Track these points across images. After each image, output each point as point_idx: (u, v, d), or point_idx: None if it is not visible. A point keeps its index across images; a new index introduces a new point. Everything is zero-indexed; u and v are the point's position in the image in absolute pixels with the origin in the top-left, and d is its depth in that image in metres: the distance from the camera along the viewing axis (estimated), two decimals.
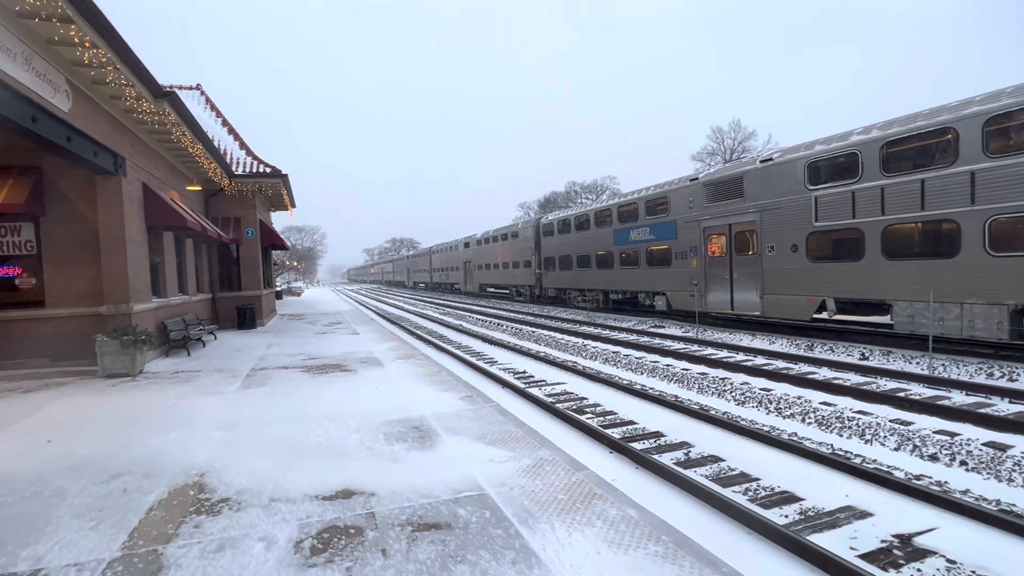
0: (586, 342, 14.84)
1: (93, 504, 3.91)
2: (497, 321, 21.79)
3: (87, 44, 7.16)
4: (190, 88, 19.25)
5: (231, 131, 18.42)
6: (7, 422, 6.18)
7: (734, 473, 5.34)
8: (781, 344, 13.06)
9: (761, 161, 14.66)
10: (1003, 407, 7.27)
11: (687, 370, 10.49)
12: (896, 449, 5.97)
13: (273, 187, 17.72)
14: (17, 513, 3.78)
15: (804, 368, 10.27)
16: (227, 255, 17.66)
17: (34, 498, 4.03)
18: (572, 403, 8.22)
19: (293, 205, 22.91)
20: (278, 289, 37.92)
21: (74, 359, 9.33)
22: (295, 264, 76.18)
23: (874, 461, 5.55)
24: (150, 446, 5.20)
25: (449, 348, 14.44)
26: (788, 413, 7.41)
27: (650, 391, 8.70)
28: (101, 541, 3.36)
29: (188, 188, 14.86)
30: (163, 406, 6.88)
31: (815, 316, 13.50)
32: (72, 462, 4.79)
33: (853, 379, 9.16)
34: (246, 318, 16.76)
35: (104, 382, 8.47)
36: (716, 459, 5.72)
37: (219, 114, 18.95)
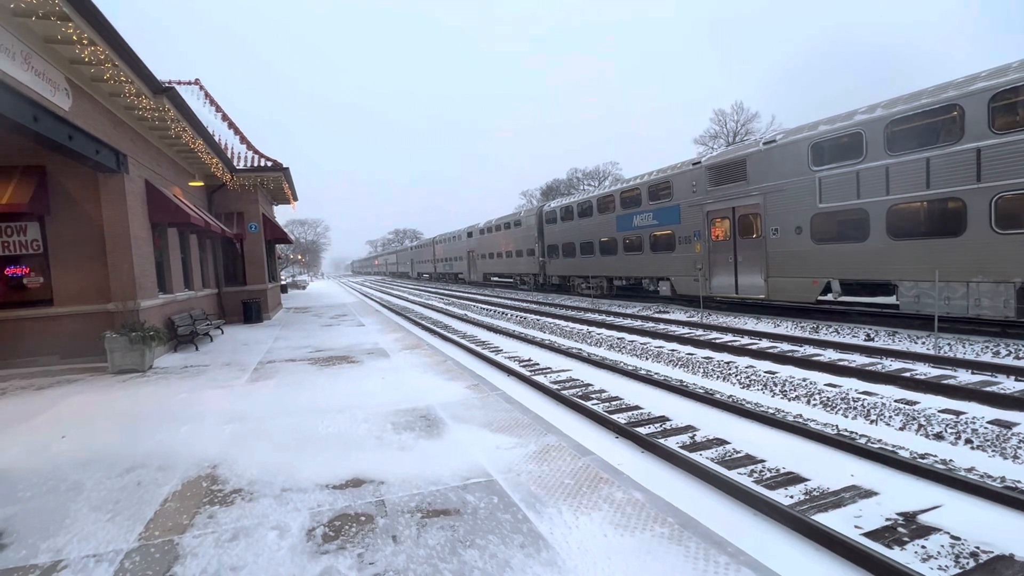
0: (591, 329, 14.87)
1: (109, 497, 3.99)
2: (501, 310, 21.83)
3: (85, 41, 7.14)
4: (189, 83, 19.17)
5: (231, 125, 18.38)
6: (22, 419, 6.28)
7: (739, 455, 5.38)
8: (786, 327, 13.04)
9: (764, 143, 14.54)
10: (1009, 385, 7.26)
11: (692, 355, 10.51)
12: (901, 429, 5.99)
13: (275, 180, 17.72)
14: (36, 507, 3.87)
15: (809, 350, 10.27)
16: (231, 250, 17.72)
17: (51, 492, 4.12)
18: (578, 389, 8.27)
19: (295, 198, 22.91)
20: (283, 283, 38.09)
21: (84, 356, 9.44)
22: (299, 257, 76.36)
23: (879, 441, 5.57)
24: (162, 440, 5.28)
25: (454, 338, 14.51)
26: (793, 395, 7.43)
27: (655, 376, 8.73)
28: (118, 532, 3.44)
29: (191, 184, 14.89)
30: (173, 400, 6.97)
31: (820, 298, 13.46)
32: (87, 457, 4.88)
33: (858, 360, 9.16)
34: (252, 312, 16.87)
35: (114, 378, 8.57)
36: (721, 442, 5.76)
37: (219, 109, 18.89)
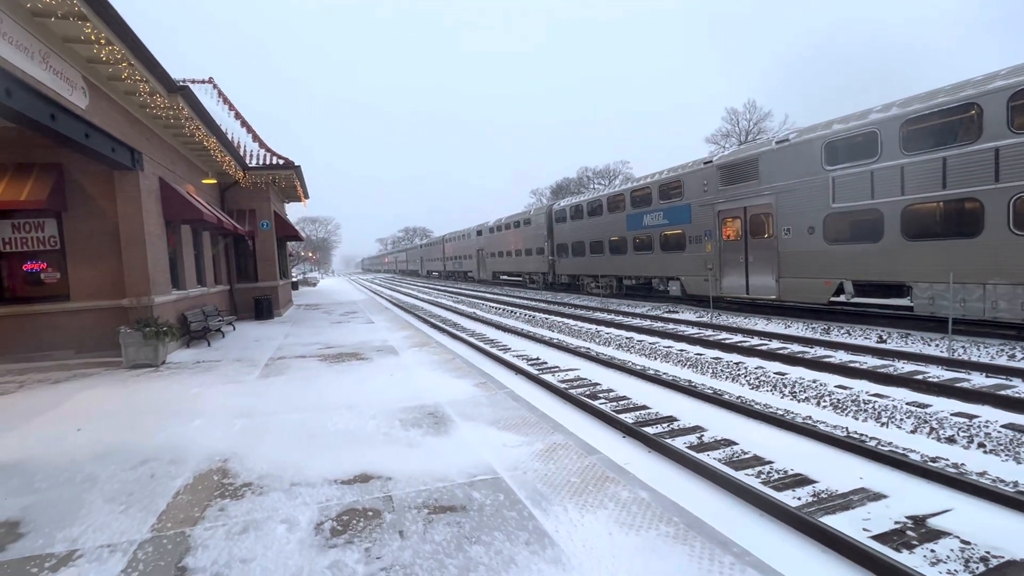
0: (599, 328, 14.84)
1: (123, 489, 4.06)
2: (510, 308, 21.85)
3: (102, 41, 7.25)
4: (203, 82, 19.38)
5: (244, 124, 18.55)
6: (38, 412, 6.41)
7: (747, 456, 5.35)
8: (797, 328, 12.93)
9: (777, 142, 14.40)
10: None
11: (701, 355, 10.46)
12: (912, 432, 5.92)
13: (286, 178, 17.87)
14: (52, 498, 3.95)
15: (820, 352, 10.18)
16: (243, 247, 17.91)
17: (67, 483, 4.20)
18: (585, 389, 8.27)
19: (306, 196, 23.09)
20: (294, 280, 38.43)
21: (99, 350, 9.61)
22: (309, 254, 76.91)
23: (890, 444, 5.52)
24: (175, 434, 5.37)
25: (463, 336, 14.55)
26: (803, 397, 7.37)
27: (664, 376, 8.71)
28: (132, 524, 3.51)
29: (204, 181, 15.06)
30: (186, 395, 7.07)
31: (832, 299, 13.32)
32: (101, 449, 4.97)
33: (870, 362, 9.06)
34: (263, 308, 17.04)
35: (128, 373, 8.71)
36: (729, 443, 5.74)
37: (232, 107, 19.08)
